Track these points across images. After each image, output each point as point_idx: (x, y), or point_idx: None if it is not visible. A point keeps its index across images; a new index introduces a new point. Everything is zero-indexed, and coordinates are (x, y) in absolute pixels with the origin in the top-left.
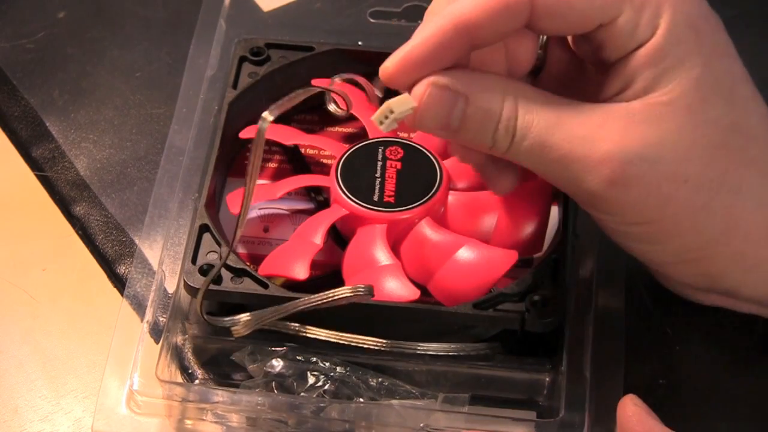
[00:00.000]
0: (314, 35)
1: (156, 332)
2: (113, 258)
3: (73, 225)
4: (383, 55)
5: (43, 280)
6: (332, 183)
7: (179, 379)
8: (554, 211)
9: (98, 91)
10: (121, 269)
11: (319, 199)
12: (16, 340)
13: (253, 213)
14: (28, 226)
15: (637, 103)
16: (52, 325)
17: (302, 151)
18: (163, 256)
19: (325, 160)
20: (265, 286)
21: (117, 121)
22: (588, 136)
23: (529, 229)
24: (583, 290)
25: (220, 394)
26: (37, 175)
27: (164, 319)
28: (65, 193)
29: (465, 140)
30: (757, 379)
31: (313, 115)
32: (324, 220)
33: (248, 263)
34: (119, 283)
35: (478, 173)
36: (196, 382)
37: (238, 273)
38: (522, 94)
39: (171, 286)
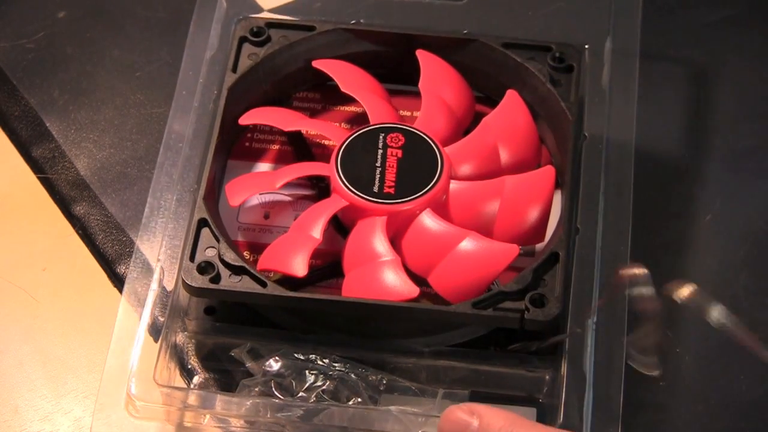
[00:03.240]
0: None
1: (155, 331)
2: (113, 258)
3: (73, 225)
4: (385, 35)
5: (43, 280)
6: (332, 172)
7: (178, 377)
8: (556, 199)
9: (98, 91)
10: (121, 269)
11: (320, 185)
12: (16, 340)
13: (254, 200)
14: (28, 226)
15: None
16: (52, 325)
17: (304, 132)
18: (162, 252)
19: (327, 142)
20: (264, 284)
21: (117, 121)
22: None
23: (531, 218)
24: (584, 288)
25: (219, 399)
26: (37, 175)
27: (163, 318)
28: (65, 193)
29: None
30: (757, 382)
31: (315, 93)
32: (323, 212)
33: (248, 252)
34: (119, 282)
35: (480, 160)
36: (195, 379)
37: (236, 271)
38: None
39: (170, 284)
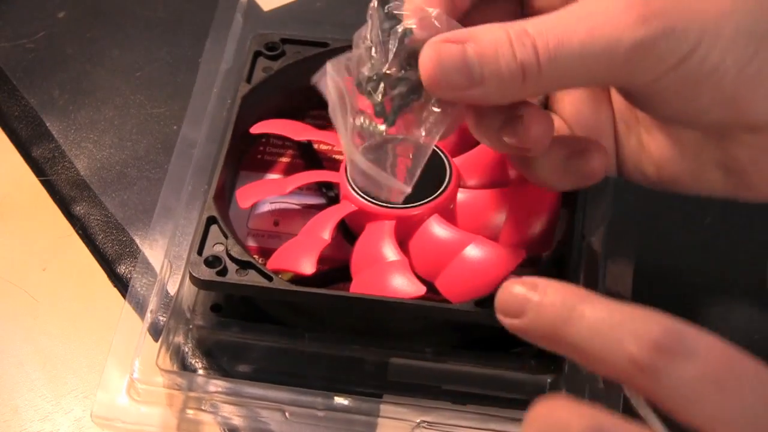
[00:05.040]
0: (319, 31)
1: (159, 325)
2: (113, 258)
3: (74, 225)
4: None
5: (43, 280)
6: (342, 179)
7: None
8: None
9: (98, 91)
10: (122, 269)
11: (329, 194)
12: (16, 340)
13: (264, 207)
14: (28, 226)
15: None
16: (52, 325)
17: (315, 146)
18: (169, 249)
19: (337, 156)
20: (270, 278)
21: (117, 121)
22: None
23: (537, 227)
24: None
25: (221, 385)
26: (37, 176)
27: (168, 313)
28: (65, 193)
29: (497, 85)
30: None
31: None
32: (333, 216)
33: (258, 256)
34: (119, 282)
35: (488, 171)
36: (198, 371)
37: (243, 265)
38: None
39: (176, 280)
